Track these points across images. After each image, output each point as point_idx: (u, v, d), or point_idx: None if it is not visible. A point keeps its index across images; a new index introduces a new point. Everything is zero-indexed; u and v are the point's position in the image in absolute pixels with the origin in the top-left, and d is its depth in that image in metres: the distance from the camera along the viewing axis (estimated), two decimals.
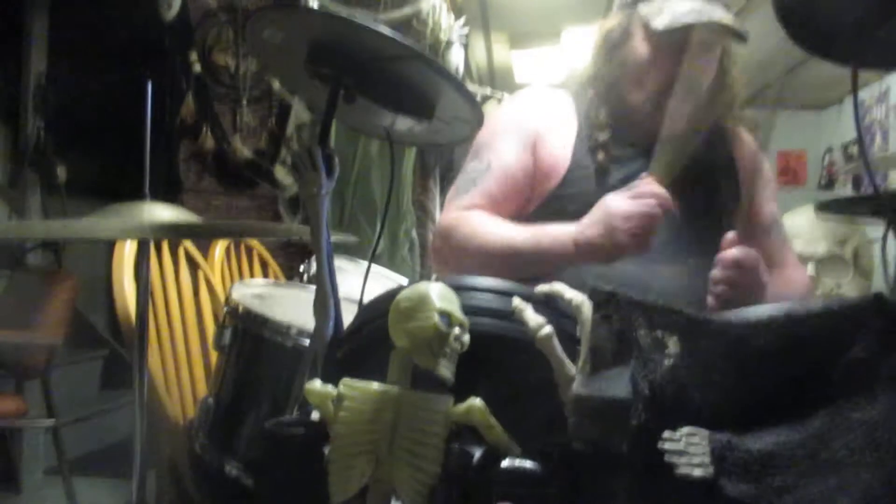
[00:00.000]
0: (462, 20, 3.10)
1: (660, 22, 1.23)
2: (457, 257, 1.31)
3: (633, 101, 1.31)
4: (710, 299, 1.18)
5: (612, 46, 1.34)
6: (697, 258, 1.26)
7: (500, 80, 5.05)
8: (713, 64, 1.30)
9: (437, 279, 0.70)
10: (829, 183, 5.51)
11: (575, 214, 1.25)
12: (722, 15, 1.22)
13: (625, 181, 1.27)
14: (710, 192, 1.33)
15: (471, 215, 1.30)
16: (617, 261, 1.15)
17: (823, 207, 1.20)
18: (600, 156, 1.31)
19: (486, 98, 3.49)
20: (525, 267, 1.21)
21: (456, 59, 3.03)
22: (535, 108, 1.39)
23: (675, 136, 1.21)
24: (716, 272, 1.17)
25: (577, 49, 3.86)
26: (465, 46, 3.19)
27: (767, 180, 1.42)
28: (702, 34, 1.24)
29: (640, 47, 1.29)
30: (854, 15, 0.83)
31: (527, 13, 3.92)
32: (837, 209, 1.30)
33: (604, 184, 1.30)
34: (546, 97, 1.41)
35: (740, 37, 1.27)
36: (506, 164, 1.32)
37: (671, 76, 1.25)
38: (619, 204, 1.13)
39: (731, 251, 1.16)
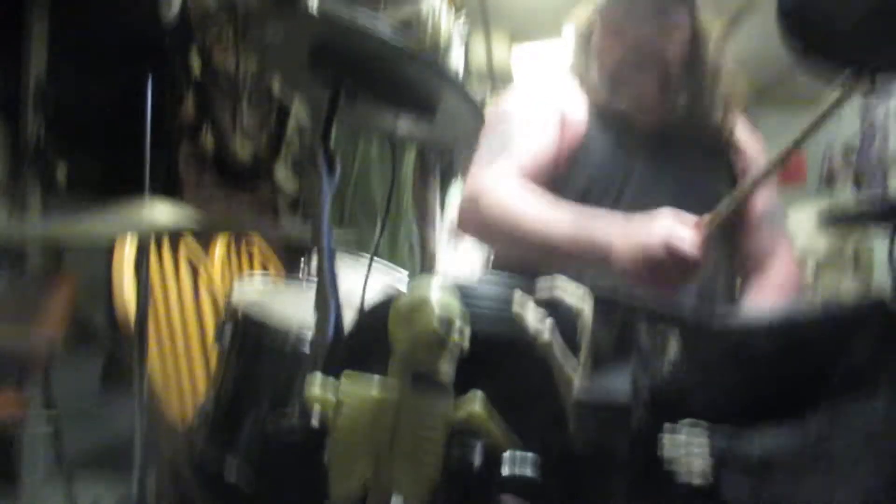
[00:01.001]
0: (462, 18, 3.10)
1: None
2: (486, 228, 1.27)
3: (602, 85, 1.33)
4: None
5: (583, 43, 1.38)
6: None
7: (500, 78, 5.05)
8: (666, 34, 1.30)
9: (436, 273, 0.70)
10: (829, 182, 5.51)
11: (581, 193, 1.27)
12: None
13: (629, 167, 1.29)
14: (708, 181, 1.34)
15: (506, 183, 1.25)
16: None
17: (827, 220, 1.19)
18: (607, 138, 1.32)
19: (486, 95, 3.49)
20: (556, 259, 1.17)
21: (456, 58, 3.03)
22: (555, 88, 1.42)
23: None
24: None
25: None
26: (466, 44, 3.19)
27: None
28: (644, 2, 1.27)
29: (597, 31, 1.34)
30: (855, 19, 0.83)
31: (527, 10, 3.92)
32: (841, 221, 1.29)
33: (609, 166, 1.31)
34: (561, 81, 1.44)
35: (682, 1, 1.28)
36: (536, 132, 1.31)
37: (623, 48, 1.29)
38: (658, 248, 1.08)
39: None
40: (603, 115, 1.34)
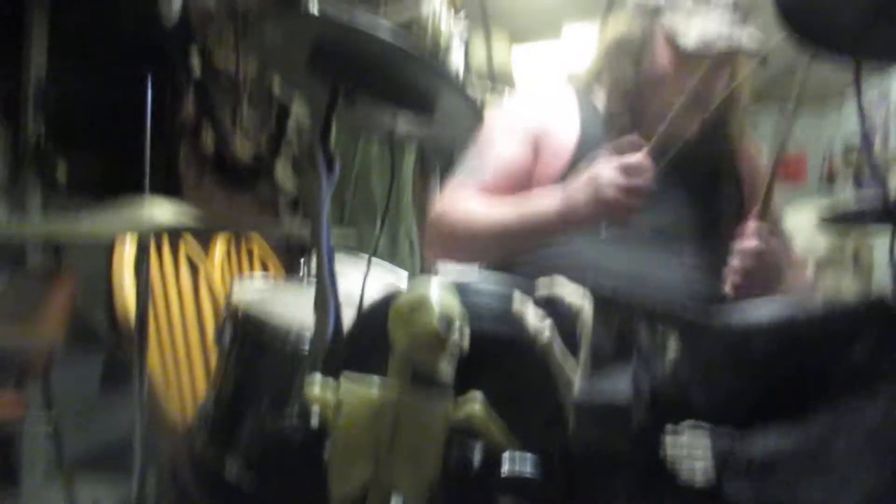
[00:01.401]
0: (462, 18, 3.09)
1: (689, 42, 1.22)
2: (447, 243, 1.32)
3: (649, 108, 1.30)
4: (727, 288, 1.18)
5: (632, 54, 1.32)
6: (691, 259, 1.26)
7: (500, 78, 5.05)
8: (728, 76, 1.30)
9: (436, 273, 0.70)
10: (830, 180, 5.51)
11: None
12: (750, 41, 1.22)
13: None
14: (712, 197, 1.34)
15: (461, 202, 1.30)
16: (598, 228, 1.16)
17: (827, 220, 1.19)
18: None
19: (486, 96, 3.49)
20: (516, 243, 1.24)
21: (456, 58, 3.03)
22: (538, 105, 1.40)
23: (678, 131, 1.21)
24: (735, 261, 1.17)
25: (578, 45, 3.86)
26: (466, 45, 3.19)
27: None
28: (728, 57, 1.24)
29: (662, 60, 1.28)
30: (855, 8, 0.83)
31: (528, 10, 3.92)
32: (841, 220, 1.29)
33: None
34: (550, 94, 1.42)
35: (764, 61, 1.26)
36: (505, 158, 1.32)
37: (692, 87, 1.26)
38: (609, 174, 1.12)
39: (751, 241, 1.16)
40: (615, 124, 1.33)
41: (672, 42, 1.26)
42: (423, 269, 3.07)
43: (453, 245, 1.32)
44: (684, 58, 1.25)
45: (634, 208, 1.13)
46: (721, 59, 1.24)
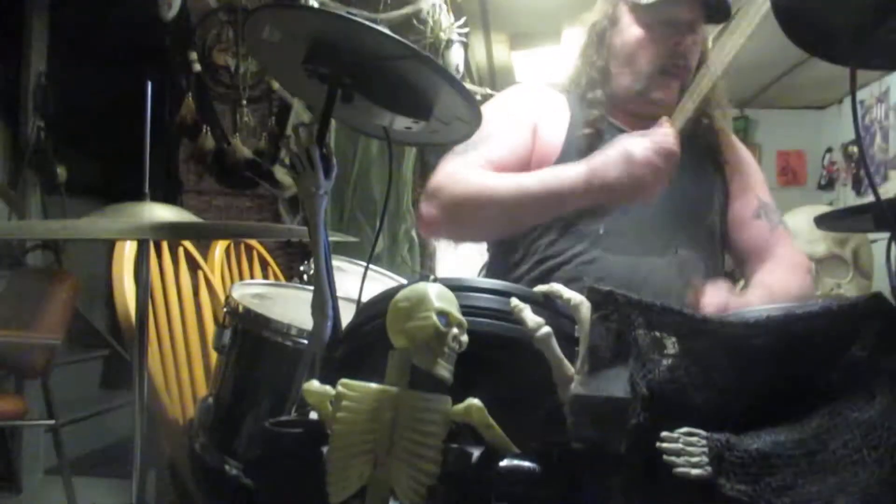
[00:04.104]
0: (462, 20, 3.10)
1: None
2: (456, 213, 1.24)
3: (624, 83, 1.32)
4: None
5: (600, 36, 1.36)
6: (685, 250, 1.27)
7: (500, 80, 5.05)
8: (699, 45, 1.31)
9: (436, 280, 0.70)
10: (829, 182, 5.51)
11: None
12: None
13: None
14: (698, 185, 1.34)
15: (467, 171, 1.25)
16: (626, 203, 1.16)
17: (822, 221, 1.20)
18: (592, 141, 1.31)
19: (486, 98, 3.49)
20: (536, 211, 1.20)
21: (456, 58, 3.03)
22: (534, 96, 1.41)
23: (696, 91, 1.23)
24: None
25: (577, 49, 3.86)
26: (465, 46, 3.19)
27: (751, 169, 1.43)
28: (688, 10, 1.27)
29: (627, 29, 1.31)
30: (853, 15, 0.83)
31: (527, 13, 3.92)
32: (836, 222, 1.29)
33: None
34: (543, 89, 1.43)
35: (726, 13, 1.29)
36: (508, 135, 1.31)
37: (660, 54, 1.28)
38: (638, 147, 1.12)
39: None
40: (590, 119, 1.34)
41: (634, 8, 1.30)
42: (422, 267, 3.07)
43: (459, 216, 1.24)
44: (645, 17, 1.29)
45: (662, 187, 1.13)
46: (684, 17, 1.26)
